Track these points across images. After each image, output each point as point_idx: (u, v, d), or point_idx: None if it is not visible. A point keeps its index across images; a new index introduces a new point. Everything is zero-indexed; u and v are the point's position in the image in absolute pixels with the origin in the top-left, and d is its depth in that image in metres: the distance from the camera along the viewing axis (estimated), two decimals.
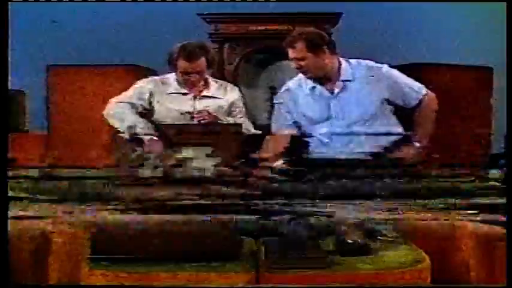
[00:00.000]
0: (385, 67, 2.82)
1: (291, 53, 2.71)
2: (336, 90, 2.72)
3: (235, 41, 4.71)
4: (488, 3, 4.40)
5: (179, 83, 2.91)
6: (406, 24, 4.98)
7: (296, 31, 2.81)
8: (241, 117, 2.93)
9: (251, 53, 4.66)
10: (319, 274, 1.99)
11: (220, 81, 3.04)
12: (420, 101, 2.83)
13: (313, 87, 2.74)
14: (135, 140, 2.73)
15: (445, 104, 4.67)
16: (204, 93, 2.95)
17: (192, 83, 2.88)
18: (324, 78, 2.72)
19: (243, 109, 3.02)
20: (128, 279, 1.98)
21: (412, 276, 2.00)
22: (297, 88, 2.80)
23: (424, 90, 2.84)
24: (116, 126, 2.85)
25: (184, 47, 2.84)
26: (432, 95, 2.88)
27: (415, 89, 2.82)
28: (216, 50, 4.72)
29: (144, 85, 2.92)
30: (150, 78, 2.99)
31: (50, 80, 4.71)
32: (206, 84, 2.97)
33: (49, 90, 4.71)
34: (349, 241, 2.14)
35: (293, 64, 2.74)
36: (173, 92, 2.92)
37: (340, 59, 2.77)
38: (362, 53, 5.04)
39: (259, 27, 4.66)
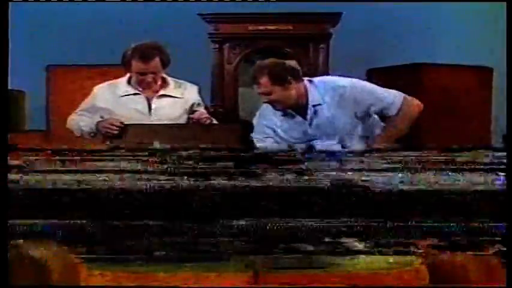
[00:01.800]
0: (349, 86, 2.71)
1: (257, 88, 2.65)
2: (309, 116, 2.67)
3: (235, 41, 4.71)
4: (488, 3, 4.40)
5: (130, 84, 2.91)
6: (406, 24, 4.98)
7: (257, 65, 2.74)
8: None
9: (251, 53, 4.66)
10: (319, 274, 1.99)
11: (179, 81, 3.02)
12: (399, 110, 2.73)
13: (285, 114, 2.69)
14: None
15: (444, 103, 4.69)
16: (162, 92, 2.94)
17: (147, 84, 2.88)
18: (294, 106, 2.66)
19: (203, 108, 3.00)
20: (128, 279, 1.98)
21: (411, 277, 2.00)
22: (271, 114, 2.74)
23: (398, 100, 2.70)
24: (77, 135, 2.92)
25: (137, 47, 2.83)
26: (411, 100, 2.76)
27: (388, 101, 2.68)
28: (216, 50, 4.74)
29: (94, 94, 2.94)
30: (102, 85, 2.99)
31: (50, 80, 4.73)
32: (164, 84, 2.96)
33: (49, 90, 4.73)
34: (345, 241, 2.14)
35: (263, 99, 2.67)
36: (124, 94, 2.92)
37: (306, 82, 2.70)
38: (362, 53, 5.07)
39: (259, 27, 4.66)
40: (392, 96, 2.72)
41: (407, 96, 2.76)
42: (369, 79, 4.88)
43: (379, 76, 4.89)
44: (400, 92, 2.76)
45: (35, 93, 4.75)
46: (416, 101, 2.77)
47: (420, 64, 4.60)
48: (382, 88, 2.77)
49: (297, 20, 4.67)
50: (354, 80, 2.77)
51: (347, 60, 4.86)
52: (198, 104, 2.96)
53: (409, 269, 2.02)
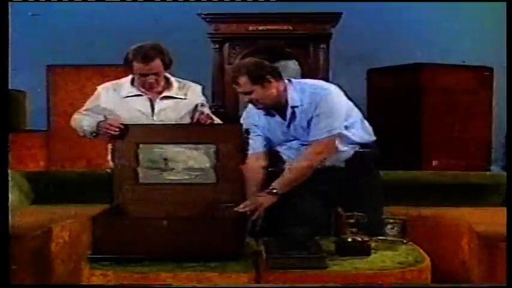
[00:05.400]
0: (324, 96, 2.63)
1: (237, 88, 2.65)
2: (288, 117, 2.66)
3: (235, 41, 4.71)
4: (488, 3, 4.40)
5: (133, 85, 2.92)
6: (406, 24, 4.98)
7: (236, 65, 2.74)
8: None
9: (251, 53, 4.66)
10: (319, 274, 1.99)
11: (183, 81, 3.01)
12: (315, 141, 2.63)
13: (267, 114, 2.69)
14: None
15: (445, 103, 4.69)
16: (165, 93, 2.94)
17: (149, 85, 2.87)
18: (275, 106, 2.66)
19: (207, 108, 2.99)
20: (128, 279, 1.98)
21: (412, 276, 2.00)
22: (255, 113, 2.74)
23: (325, 135, 2.58)
24: (80, 135, 2.91)
25: (138, 49, 2.82)
26: (329, 142, 2.56)
27: (321, 128, 2.57)
28: (216, 50, 4.74)
29: (98, 94, 2.94)
30: (106, 85, 2.98)
31: (50, 80, 4.73)
32: (167, 84, 2.95)
33: (49, 90, 4.73)
34: (350, 240, 2.14)
35: (244, 98, 2.68)
36: (127, 95, 2.92)
37: (286, 82, 2.69)
38: (362, 53, 5.07)
39: (259, 27, 4.66)
40: (328, 127, 2.57)
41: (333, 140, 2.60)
42: (369, 79, 4.91)
43: (379, 76, 4.90)
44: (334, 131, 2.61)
45: (36, 93, 4.75)
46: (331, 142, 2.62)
47: (420, 64, 4.60)
48: (341, 114, 2.63)
49: (297, 20, 4.67)
50: (330, 89, 2.68)
51: (347, 60, 4.87)
52: (202, 105, 2.95)
53: (412, 269, 2.02)
